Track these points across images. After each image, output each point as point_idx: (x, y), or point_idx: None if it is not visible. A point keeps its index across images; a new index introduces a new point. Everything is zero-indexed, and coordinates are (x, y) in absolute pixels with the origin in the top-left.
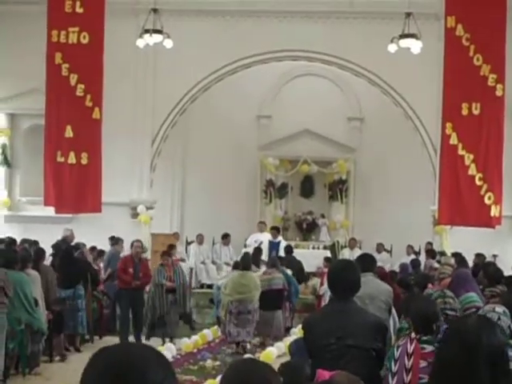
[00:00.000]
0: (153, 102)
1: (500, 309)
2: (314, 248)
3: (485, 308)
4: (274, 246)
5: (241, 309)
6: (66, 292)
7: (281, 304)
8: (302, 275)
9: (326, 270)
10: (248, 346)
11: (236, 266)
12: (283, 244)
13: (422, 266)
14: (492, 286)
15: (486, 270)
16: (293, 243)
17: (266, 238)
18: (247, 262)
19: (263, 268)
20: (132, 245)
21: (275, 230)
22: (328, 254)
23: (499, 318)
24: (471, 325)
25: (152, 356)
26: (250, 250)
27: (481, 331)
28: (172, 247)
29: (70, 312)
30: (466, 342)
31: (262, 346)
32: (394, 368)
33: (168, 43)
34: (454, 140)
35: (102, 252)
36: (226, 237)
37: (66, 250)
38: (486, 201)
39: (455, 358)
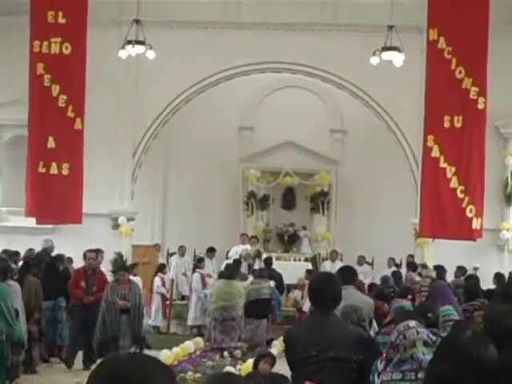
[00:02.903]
0: (134, 113)
1: (412, 323)
2: (295, 260)
3: (398, 328)
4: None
5: (225, 316)
6: (45, 303)
7: (267, 313)
8: (281, 287)
9: (307, 282)
10: (235, 352)
11: (221, 275)
12: (262, 256)
13: (404, 279)
14: (471, 300)
15: (465, 285)
16: (274, 255)
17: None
18: (231, 271)
19: (250, 278)
20: (85, 256)
21: (255, 239)
22: (309, 266)
23: (418, 332)
24: (464, 340)
25: (158, 368)
26: (231, 261)
27: (473, 347)
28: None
29: (50, 323)
30: (457, 357)
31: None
32: (377, 381)
33: (150, 54)
34: (435, 152)
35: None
36: (211, 250)
37: (49, 261)
38: (468, 214)
39: (447, 373)
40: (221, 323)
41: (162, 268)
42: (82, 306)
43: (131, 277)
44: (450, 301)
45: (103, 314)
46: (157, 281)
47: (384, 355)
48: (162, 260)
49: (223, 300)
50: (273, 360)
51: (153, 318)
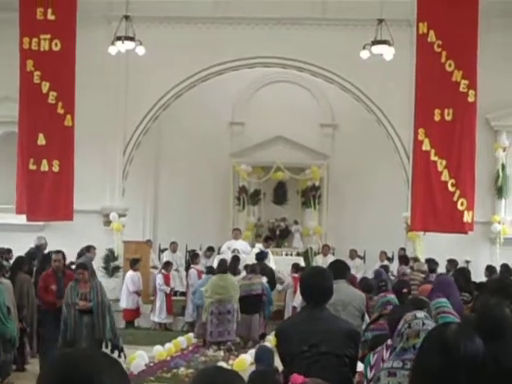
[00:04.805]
0: (125, 109)
1: (420, 314)
2: (287, 255)
3: (406, 318)
4: (265, 255)
5: (221, 309)
6: None
7: (259, 308)
8: (273, 282)
9: (292, 276)
10: (232, 347)
11: (210, 271)
12: (270, 255)
13: (395, 273)
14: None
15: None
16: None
17: (240, 245)
18: (225, 266)
19: (243, 273)
20: (50, 257)
21: (271, 240)
22: (302, 260)
23: (423, 324)
24: (449, 332)
25: (102, 361)
26: (224, 256)
27: (459, 339)
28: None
29: None
30: (443, 350)
31: (245, 346)
32: (370, 374)
33: (140, 50)
34: (426, 146)
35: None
36: (210, 250)
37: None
38: (459, 207)
39: (432, 367)
40: (217, 317)
41: (166, 265)
42: (54, 311)
43: (131, 272)
44: (451, 295)
45: (65, 318)
46: (158, 278)
47: (388, 343)
48: (153, 256)
49: (218, 294)
50: None
51: (157, 314)
